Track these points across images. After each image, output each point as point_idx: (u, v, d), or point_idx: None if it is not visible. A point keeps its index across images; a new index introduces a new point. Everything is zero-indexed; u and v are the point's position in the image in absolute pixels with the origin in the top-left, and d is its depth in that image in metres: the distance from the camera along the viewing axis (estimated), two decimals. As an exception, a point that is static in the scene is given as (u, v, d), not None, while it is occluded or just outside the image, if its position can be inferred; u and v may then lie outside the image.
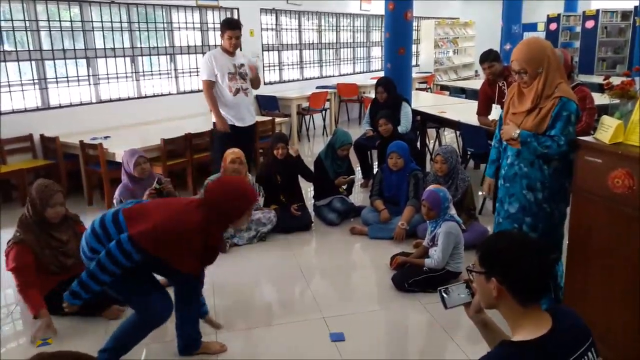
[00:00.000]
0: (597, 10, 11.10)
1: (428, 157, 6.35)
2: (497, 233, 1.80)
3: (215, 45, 7.03)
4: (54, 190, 2.96)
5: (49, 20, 5.46)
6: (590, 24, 11.18)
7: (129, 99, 6.32)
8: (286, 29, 8.91)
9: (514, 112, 2.68)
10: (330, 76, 9.99)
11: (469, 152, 5.50)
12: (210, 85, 4.54)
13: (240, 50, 4.83)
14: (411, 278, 3.24)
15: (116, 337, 2.41)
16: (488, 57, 4.50)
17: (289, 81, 9.00)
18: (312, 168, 4.71)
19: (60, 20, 5.57)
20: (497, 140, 2.95)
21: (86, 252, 2.27)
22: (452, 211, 3.37)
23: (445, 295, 1.68)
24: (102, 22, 5.95)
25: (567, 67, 3.41)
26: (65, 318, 2.94)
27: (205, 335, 2.73)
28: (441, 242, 3.20)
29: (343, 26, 10.31)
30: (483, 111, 4.78)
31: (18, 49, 5.29)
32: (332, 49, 10.13)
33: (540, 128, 2.55)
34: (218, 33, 7.14)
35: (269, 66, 8.58)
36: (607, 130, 2.36)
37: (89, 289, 2.20)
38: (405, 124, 5.32)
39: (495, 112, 4.78)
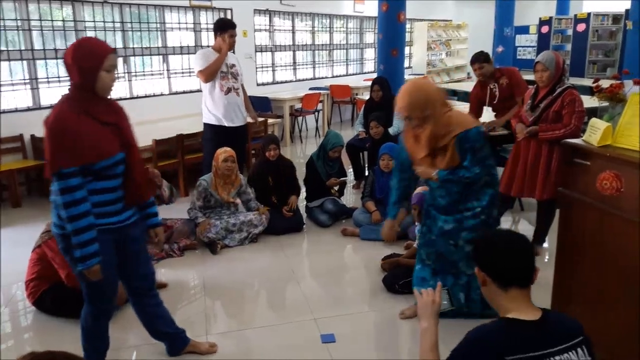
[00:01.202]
0: (589, 14, 11.19)
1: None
2: (480, 231, 2.08)
3: (209, 46, 7.02)
4: None
5: (41, 20, 5.44)
6: (581, 27, 11.26)
7: (120, 99, 6.29)
8: (279, 30, 8.92)
9: (418, 157, 2.69)
10: (323, 77, 10.00)
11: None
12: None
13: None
14: (402, 279, 3.25)
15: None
16: (479, 59, 4.52)
17: (282, 82, 9.00)
18: (304, 169, 4.71)
19: (52, 20, 5.55)
20: (398, 180, 2.92)
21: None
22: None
23: None
24: (94, 22, 5.93)
25: (559, 69, 3.45)
26: (54, 318, 2.94)
27: (197, 337, 2.73)
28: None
29: (336, 27, 10.33)
30: (474, 113, 4.78)
31: (9, 49, 5.26)
32: (326, 50, 10.14)
33: (454, 163, 2.58)
34: (211, 33, 7.21)
35: (262, 67, 8.58)
36: (596, 132, 2.38)
37: (83, 240, 2.03)
38: (397, 125, 5.33)
39: (486, 114, 4.82)
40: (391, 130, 5.23)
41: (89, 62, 2.00)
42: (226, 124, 4.62)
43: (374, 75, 6.74)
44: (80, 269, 2.06)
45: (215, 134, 4.61)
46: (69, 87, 2.06)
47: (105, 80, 2.05)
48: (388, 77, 6.02)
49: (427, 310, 1.78)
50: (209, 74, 4.46)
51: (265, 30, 8.57)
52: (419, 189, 3.42)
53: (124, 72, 6.36)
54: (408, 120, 2.55)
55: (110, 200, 2.13)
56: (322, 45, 10.02)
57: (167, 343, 2.62)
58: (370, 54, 11.39)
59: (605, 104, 2.60)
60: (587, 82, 9.02)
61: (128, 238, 2.24)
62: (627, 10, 9.55)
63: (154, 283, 2.50)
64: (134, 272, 2.37)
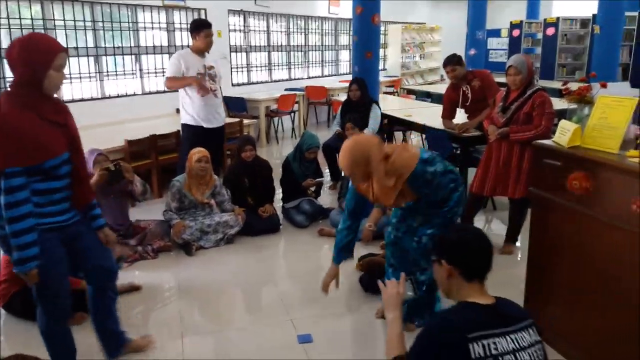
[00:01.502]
0: (558, 18, 11.45)
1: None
2: (444, 227, 2.21)
3: (182, 46, 6.95)
4: None
5: (8, 18, 5.29)
6: (550, 31, 11.52)
7: (92, 99, 6.18)
8: (254, 31, 8.88)
9: (386, 205, 2.76)
10: (299, 79, 9.99)
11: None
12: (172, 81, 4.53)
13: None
14: (378, 279, 3.26)
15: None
16: (451, 61, 4.59)
17: (257, 83, 8.96)
18: (280, 170, 4.71)
19: (20, 18, 5.40)
20: (346, 227, 2.84)
21: None
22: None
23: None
24: (64, 20, 5.80)
25: (530, 72, 3.54)
26: (29, 323, 2.87)
27: (172, 339, 2.70)
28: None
29: (312, 29, 10.33)
30: (447, 115, 4.87)
31: (-25, 47, 5.12)
32: (301, 51, 10.14)
33: (414, 198, 2.62)
34: (185, 33, 7.14)
35: (237, 67, 8.53)
36: (566, 134, 2.44)
37: (21, 243, 1.98)
38: (373, 125, 5.37)
39: (460, 115, 4.89)
40: (366, 131, 5.26)
41: (39, 59, 1.96)
42: (204, 125, 4.59)
43: (349, 77, 6.77)
44: (16, 271, 2.03)
45: (193, 135, 4.59)
46: (11, 83, 2.01)
47: (54, 79, 2.02)
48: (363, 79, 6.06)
49: (392, 300, 1.87)
50: (171, 85, 4.54)
51: (240, 30, 8.53)
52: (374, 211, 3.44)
53: (96, 72, 6.24)
54: (353, 177, 2.61)
55: (56, 200, 2.11)
56: (298, 46, 10.02)
57: (108, 343, 2.55)
58: (345, 55, 11.44)
59: (574, 106, 2.66)
60: (557, 84, 9.22)
61: (75, 235, 2.22)
62: (594, 15, 9.81)
63: (114, 279, 2.48)
64: (88, 267, 2.35)
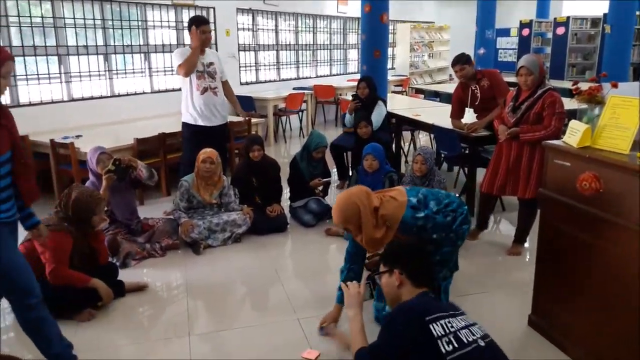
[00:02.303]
0: (568, 17, 11.37)
1: (403, 159, 6.40)
2: (391, 243, 2.48)
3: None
4: (99, 198, 3.13)
5: (19, 16, 5.33)
6: (560, 30, 11.45)
7: (101, 97, 6.21)
8: (263, 29, 8.89)
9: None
10: (307, 77, 9.99)
11: (442, 155, 5.56)
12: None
13: (210, 48, 4.80)
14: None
15: None
16: (460, 60, 4.56)
17: (265, 82, 8.97)
18: (287, 169, 4.71)
19: (30, 16, 5.44)
20: (348, 269, 2.87)
21: None
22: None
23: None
24: (74, 18, 5.84)
25: (541, 72, 3.52)
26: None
27: (179, 337, 2.70)
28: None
29: (320, 28, 10.33)
30: (456, 114, 4.84)
31: (-14, 45, 5.16)
32: (309, 50, 10.14)
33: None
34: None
35: (246, 66, 8.55)
36: (576, 134, 2.42)
37: None
38: (376, 121, 5.37)
39: (468, 115, 4.86)
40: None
41: None
42: (202, 124, 4.58)
43: (358, 76, 6.77)
44: None
45: (193, 134, 4.59)
46: None
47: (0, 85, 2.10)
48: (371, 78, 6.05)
49: (353, 300, 2.21)
50: (187, 67, 4.42)
51: (249, 29, 8.54)
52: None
53: (105, 70, 6.28)
54: (347, 230, 2.74)
55: (3, 199, 2.16)
56: (306, 45, 10.01)
57: None
58: (354, 54, 11.42)
59: (585, 106, 2.64)
60: (567, 84, 9.17)
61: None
62: (605, 14, 9.73)
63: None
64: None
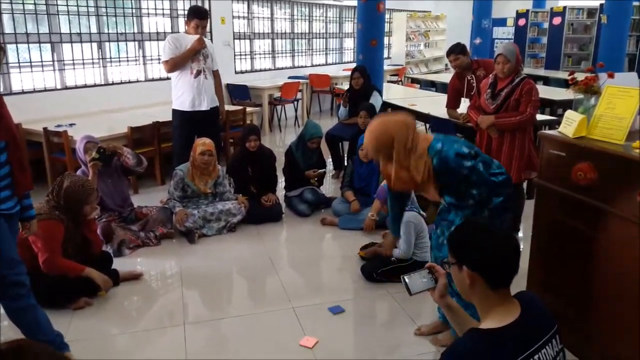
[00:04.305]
0: (564, 7, 11.35)
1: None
2: (462, 224, 1.73)
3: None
4: (91, 188, 3.09)
5: (11, 3, 5.26)
6: (557, 20, 11.42)
7: (95, 85, 6.16)
8: (258, 18, 8.82)
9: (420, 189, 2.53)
10: (302, 66, 9.95)
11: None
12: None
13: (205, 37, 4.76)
14: (380, 268, 3.27)
15: None
16: (454, 50, 4.56)
17: (260, 70, 8.92)
18: (283, 158, 4.70)
19: (23, 3, 5.37)
20: (393, 205, 2.84)
21: None
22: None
23: (408, 281, 1.70)
24: (67, 5, 5.77)
25: (518, 61, 3.61)
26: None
27: (174, 326, 2.70)
28: (402, 231, 3.23)
29: (316, 16, 10.26)
30: (452, 104, 4.84)
31: (-22, 32, 5.09)
32: (305, 39, 10.08)
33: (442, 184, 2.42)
34: (188, 20, 7.08)
35: (241, 55, 8.49)
36: (571, 124, 2.42)
37: None
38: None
39: (464, 105, 4.85)
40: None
41: None
42: (193, 108, 4.51)
43: (353, 65, 6.74)
44: None
45: (184, 120, 4.55)
46: None
47: None
48: (367, 67, 6.03)
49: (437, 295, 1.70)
50: (173, 66, 4.40)
51: (244, 17, 8.47)
52: (383, 183, 3.47)
53: (99, 58, 6.22)
54: (378, 160, 2.51)
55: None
56: (302, 34, 9.95)
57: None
58: (350, 43, 11.36)
59: (580, 96, 2.64)
60: (563, 74, 9.17)
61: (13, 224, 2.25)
62: (601, 5, 9.71)
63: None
64: None
